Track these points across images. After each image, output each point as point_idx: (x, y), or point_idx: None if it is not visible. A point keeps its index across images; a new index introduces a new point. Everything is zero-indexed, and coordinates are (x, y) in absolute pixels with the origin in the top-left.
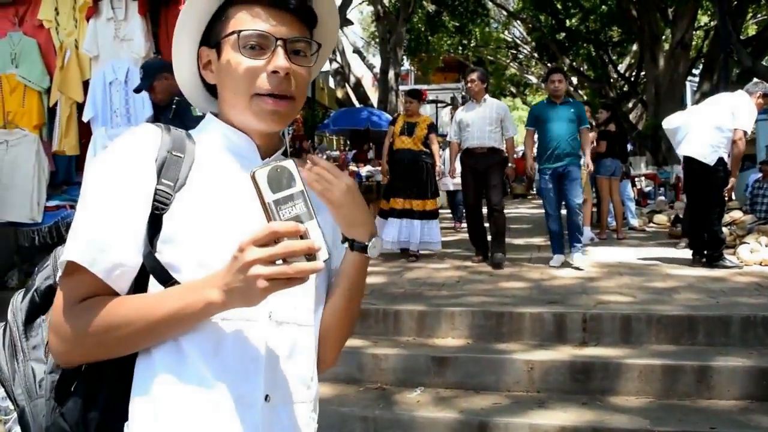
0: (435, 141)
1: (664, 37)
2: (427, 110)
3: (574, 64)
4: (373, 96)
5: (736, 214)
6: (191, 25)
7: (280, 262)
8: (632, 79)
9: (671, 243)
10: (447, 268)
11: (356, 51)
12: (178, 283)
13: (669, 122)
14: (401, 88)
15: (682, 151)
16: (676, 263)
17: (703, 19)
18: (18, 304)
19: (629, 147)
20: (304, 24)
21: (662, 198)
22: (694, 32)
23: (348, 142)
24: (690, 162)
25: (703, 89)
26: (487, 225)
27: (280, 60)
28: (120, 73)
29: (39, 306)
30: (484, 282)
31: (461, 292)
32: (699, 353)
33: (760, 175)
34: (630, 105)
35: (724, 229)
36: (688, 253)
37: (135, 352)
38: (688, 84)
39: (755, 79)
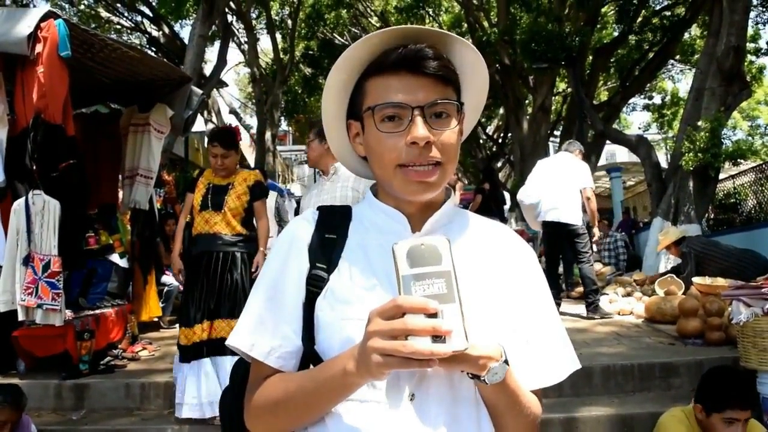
0: (264, 214)
1: (527, 101)
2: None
3: None
4: (250, 157)
5: (597, 266)
6: (333, 100)
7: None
8: (500, 140)
9: None
10: None
11: (232, 112)
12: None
13: (526, 197)
14: (279, 148)
15: (548, 218)
16: None
17: (561, 86)
18: (240, 369)
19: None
20: (443, 82)
21: None
22: (553, 98)
23: None
24: (556, 226)
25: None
26: None
27: (417, 130)
28: None
29: None
30: None
31: None
32: (565, 405)
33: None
34: (499, 164)
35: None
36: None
37: (305, 425)
38: (550, 144)
39: (569, 140)
